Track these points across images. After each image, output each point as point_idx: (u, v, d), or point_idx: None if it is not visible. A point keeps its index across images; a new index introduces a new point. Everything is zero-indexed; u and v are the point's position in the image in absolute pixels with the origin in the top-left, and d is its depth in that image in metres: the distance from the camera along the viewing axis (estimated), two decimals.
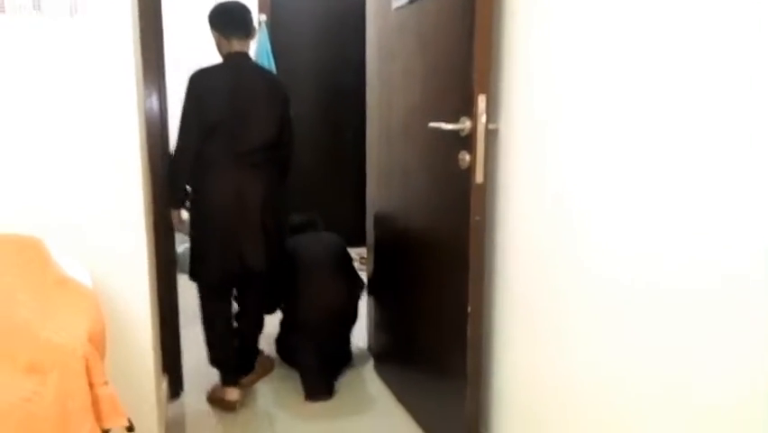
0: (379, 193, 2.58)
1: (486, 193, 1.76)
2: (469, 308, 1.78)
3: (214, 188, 2.22)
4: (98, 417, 1.25)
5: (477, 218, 1.74)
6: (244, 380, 2.48)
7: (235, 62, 2.28)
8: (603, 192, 1.40)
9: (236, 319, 2.48)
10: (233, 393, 2.35)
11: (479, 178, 1.72)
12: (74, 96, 1.61)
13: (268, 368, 2.65)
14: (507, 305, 1.84)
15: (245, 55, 2.32)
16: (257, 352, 2.60)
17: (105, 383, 1.27)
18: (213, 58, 2.30)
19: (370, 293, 2.81)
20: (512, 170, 1.76)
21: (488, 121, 1.70)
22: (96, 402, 1.25)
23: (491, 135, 1.75)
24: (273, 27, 3.92)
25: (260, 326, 2.55)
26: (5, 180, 1.60)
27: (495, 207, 1.83)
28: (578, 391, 1.51)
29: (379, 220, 2.62)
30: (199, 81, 2.20)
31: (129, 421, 1.29)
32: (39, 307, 1.39)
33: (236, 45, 2.26)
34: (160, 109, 2.20)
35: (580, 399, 1.51)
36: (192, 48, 2.72)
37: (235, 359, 2.42)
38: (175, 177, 2.25)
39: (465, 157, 1.72)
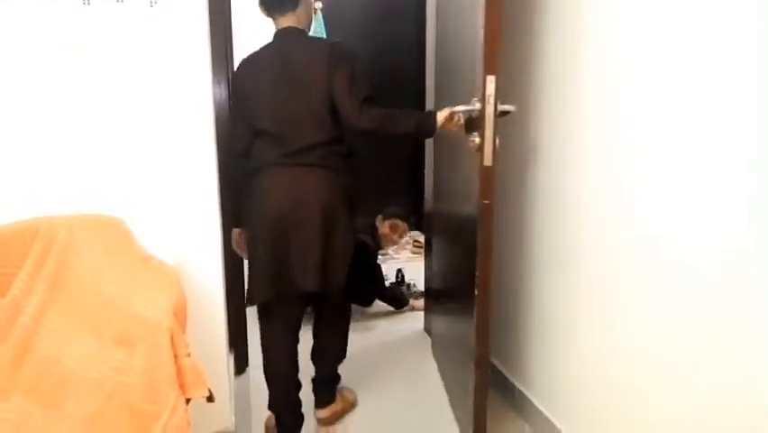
0: (436, 175, 2.59)
1: (495, 176, 1.66)
2: (476, 292, 1.72)
3: (260, 196, 1.81)
4: (182, 386, 1.32)
5: (485, 202, 1.66)
6: (322, 413, 2.18)
7: (278, 42, 1.87)
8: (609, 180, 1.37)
9: (313, 337, 2.17)
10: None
11: (487, 160, 1.64)
12: (152, 81, 1.68)
13: (349, 403, 2.30)
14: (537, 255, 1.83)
15: (291, 30, 1.86)
16: (337, 380, 2.29)
17: (188, 355, 1.34)
18: None
19: (427, 278, 2.89)
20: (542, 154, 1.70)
21: (497, 102, 1.61)
22: (180, 373, 1.32)
23: (512, 117, 1.67)
24: (328, 15, 3.96)
25: (340, 347, 2.23)
26: (90, 164, 1.69)
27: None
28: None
29: (434, 204, 2.63)
30: (239, 72, 1.89)
31: (209, 392, 1.36)
32: (125, 283, 1.47)
33: (281, 21, 1.87)
34: (228, 98, 2.27)
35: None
36: (260, 36, 2.73)
37: (297, 408, 2.05)
38: (229, 190, 1.90)
39: (475, 139, 1.66)
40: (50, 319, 1.44)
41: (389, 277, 3.49)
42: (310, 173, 1.78)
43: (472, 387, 1.80)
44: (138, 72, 1.66)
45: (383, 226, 3.23)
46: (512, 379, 2.26)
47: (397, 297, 3.27)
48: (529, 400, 2.12)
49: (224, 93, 2.19)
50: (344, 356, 2.27)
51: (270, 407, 2.03)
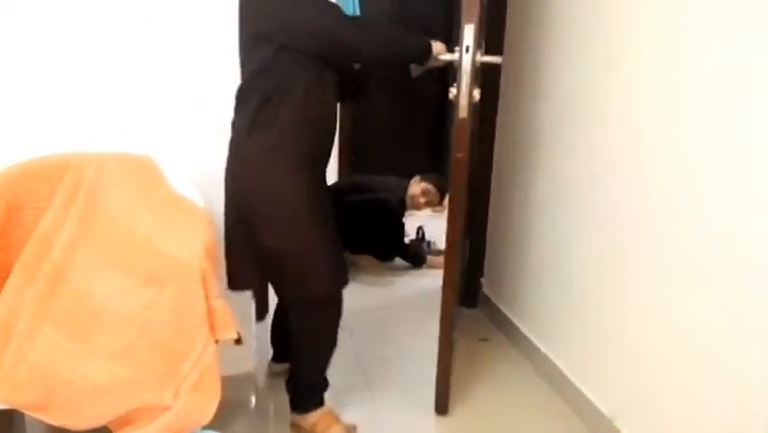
0: None
1: (469, 128, 1.63)
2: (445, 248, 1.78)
3: None
4: (211, 327, 1.32)
5: (459, 155, 1.64)
6: (291, 417, 1.77)
7: None
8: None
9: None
10: (275, 367, 2.08)
11: (462, 113, 1.61)
12: (179, 22, 1.66)
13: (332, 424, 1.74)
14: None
15: None
16: (318, 388, 1.78)
17: (218, 297, 1.34)
18: None
19: None
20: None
21: (476, 52, 1.58)
22: (210, 314, 1.31)
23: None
24: None
25: (315, 354, 1.75)
26: (121, 105, 1.66)
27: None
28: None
29: None
30: None
31: (238, 334, 1.36)
32: (156, 222, 1.46)
33: None
34: None
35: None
36: None
37: (277, 347, 2.08)
38: None
39: (452, 90, 1.62)
40: (80, 254, 1.44)
41: (410, 234, 3.47)
42: (236, 143, 1.57)
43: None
44: (166, 12, 1.63)
45: (416, 187, 3.17)
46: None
47: (417, 254, 3.26)
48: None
49: None
50: (326, 365, 1.76)
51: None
